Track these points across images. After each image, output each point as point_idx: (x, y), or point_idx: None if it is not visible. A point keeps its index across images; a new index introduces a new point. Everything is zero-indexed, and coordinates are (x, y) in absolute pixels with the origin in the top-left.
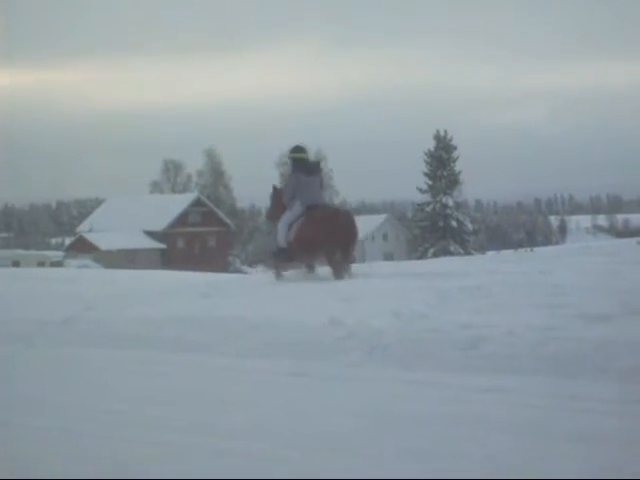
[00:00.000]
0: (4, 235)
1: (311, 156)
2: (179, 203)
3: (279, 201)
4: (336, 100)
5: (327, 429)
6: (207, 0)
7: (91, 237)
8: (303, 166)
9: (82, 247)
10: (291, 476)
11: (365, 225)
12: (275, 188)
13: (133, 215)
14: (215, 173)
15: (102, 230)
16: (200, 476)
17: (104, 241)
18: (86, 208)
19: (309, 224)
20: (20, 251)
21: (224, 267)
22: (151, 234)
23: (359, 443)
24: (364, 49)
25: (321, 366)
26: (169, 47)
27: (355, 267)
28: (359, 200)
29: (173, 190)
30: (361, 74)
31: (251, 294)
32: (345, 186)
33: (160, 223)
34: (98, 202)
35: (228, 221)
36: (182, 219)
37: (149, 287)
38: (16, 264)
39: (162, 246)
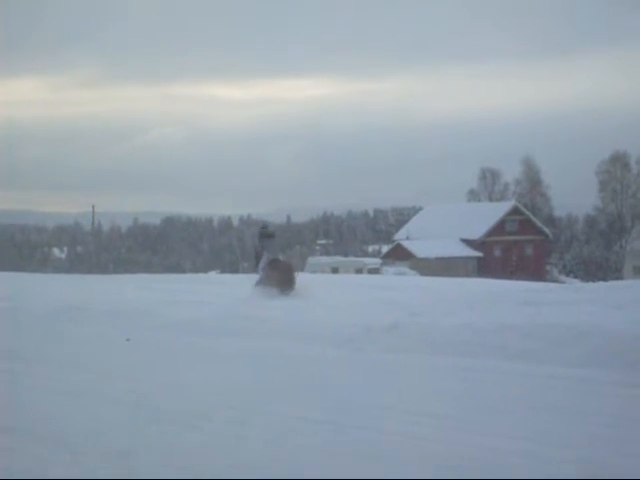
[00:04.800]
0: (323, 242)
1: None
2: (496, 211)
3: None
4: None
5: None
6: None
7: (408, 245)
8: (266, 235)
9: (399, 254)
10: None
11: None
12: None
13: (450, 223)
14: (532, 181)
15: (419, 238)
16: None
17: (421, 249)
18: (403, 216)
19: (271, 269)
20: (339, 258)
21: (541, 276)
22: (468, 242)
23: None
24: None
25: None
26: (482, 55)
27: None
28: None
29: (490, 198)
30: None
31: (574, 303)
32: None
33: (477, 231)
34: (415, 210)
35: (545, 229)
36: (499, 227)
37: (470, 295)
38: (335, 270)
39: (478, 254)
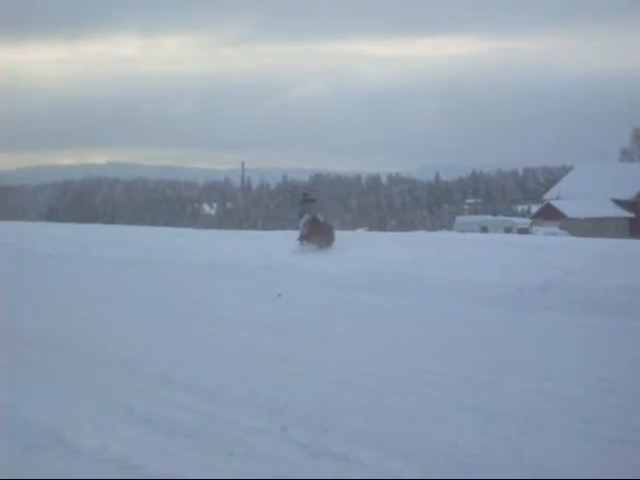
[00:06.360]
0: (471, 201)
1: None
2: None
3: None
4: None
5: None
6: None
7: (558, 204)
8: (307, 200)
9: (549, 214)
10: None
11: None
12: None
13: (601, 183)
14: None
15: (569, 198)
16: None
17: (571, 209)
18: (553, 175)
19: (311, 228)
20: (488, 217)
21: None
22: (619, 202)
23: None
24: None
25: None
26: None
27: None
28: None
29: None
30: None
31: None
32: None
33: (629, 192)
34: (565, 169)
35: None
36: None
37: (622, 256)
38: (484, 229)
39: (630, 215)
